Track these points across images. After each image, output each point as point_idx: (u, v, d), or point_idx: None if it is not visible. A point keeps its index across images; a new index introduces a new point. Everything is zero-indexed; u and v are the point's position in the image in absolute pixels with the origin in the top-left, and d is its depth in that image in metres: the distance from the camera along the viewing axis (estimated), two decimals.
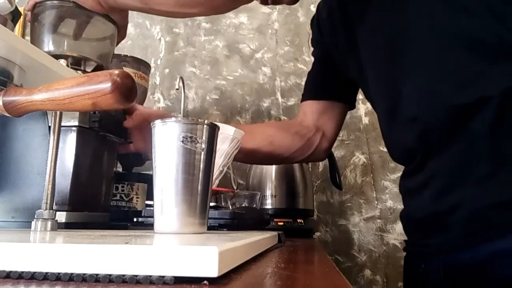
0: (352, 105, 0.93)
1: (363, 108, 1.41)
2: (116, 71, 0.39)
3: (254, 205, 0.86)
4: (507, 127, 0.54)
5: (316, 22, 0.89)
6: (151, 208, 0.55)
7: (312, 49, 0.95)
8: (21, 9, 0.68)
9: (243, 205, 0.85)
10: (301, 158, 0.92)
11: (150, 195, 0.80)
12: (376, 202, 1.36)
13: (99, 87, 0.39)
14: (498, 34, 0.56)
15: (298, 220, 1.08)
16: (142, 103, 1.02)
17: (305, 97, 0.93)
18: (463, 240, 0.57)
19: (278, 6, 1.53)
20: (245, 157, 0.85)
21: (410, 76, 0.62)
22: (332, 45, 0.84)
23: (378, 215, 1.35)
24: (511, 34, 0.55)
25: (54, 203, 0.53)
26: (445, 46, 0.60)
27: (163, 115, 0.85)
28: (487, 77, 0.56)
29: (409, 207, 0.70)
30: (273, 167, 1.15)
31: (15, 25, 0.62)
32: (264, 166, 1.16)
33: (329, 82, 0.90)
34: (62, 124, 0.57)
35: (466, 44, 0.58)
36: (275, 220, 1.05)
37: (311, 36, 0.94)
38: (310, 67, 0.95)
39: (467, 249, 0.57)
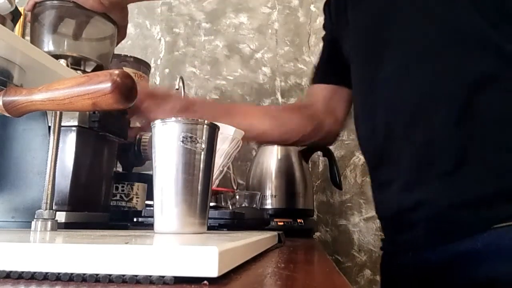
0: None
1: None
2: (116, 71, 0.39)
3: (254, 205, 0.86)
4: (472, 121, 0.53)
5: (327, 6, 0.91)
6: (151, 208, 0.55)
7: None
8: (21, 9, 0.68)
9: (243, 205, 0.85)
10: (311, 141, 0.93)
11: (150, 195, 0.80)
12: None
13: (99, 87, 0.39)
14: (479, 27, 0.56)
15: (298, 220, 1.08)
16: None
17: (315, 80, 0.94)
18: (429, 239, 0.57)
19: (278, 6, 1.53)
20: (257, 137, 0.85)
21: (386, 59, 0.63)
22: (337, 29, 0.86)
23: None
24: (491, 29, 0.55)
25: (54, 203, 0.53)
26: (424, 33, 0.60)
27: (161, 95, 0.84)
28: (458, 69, 0.56)
29: (379, 204, 0.70)
30: (273, 167, 1.15)
31: (15, 25, 0.62)
32: (264, 166, 1.16)
33: (337, 66, 0.90)
34: (62, 124, 0.57)
35: (443, 33, 0.58)
36: (275, 220, 1.05)
37: (322, 21, 0.95)
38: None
39: (434, 248, 0.57)
